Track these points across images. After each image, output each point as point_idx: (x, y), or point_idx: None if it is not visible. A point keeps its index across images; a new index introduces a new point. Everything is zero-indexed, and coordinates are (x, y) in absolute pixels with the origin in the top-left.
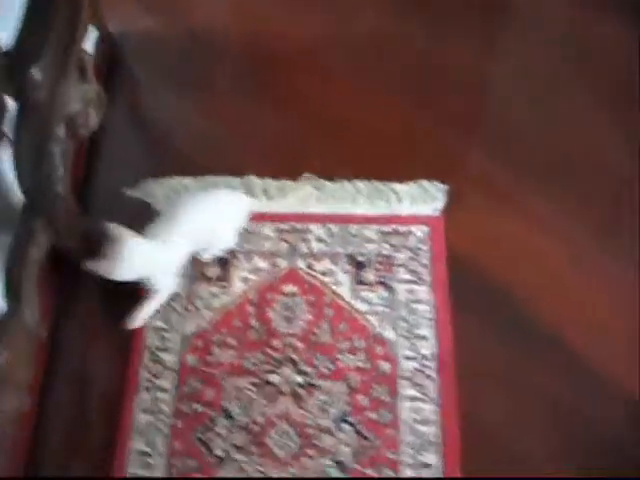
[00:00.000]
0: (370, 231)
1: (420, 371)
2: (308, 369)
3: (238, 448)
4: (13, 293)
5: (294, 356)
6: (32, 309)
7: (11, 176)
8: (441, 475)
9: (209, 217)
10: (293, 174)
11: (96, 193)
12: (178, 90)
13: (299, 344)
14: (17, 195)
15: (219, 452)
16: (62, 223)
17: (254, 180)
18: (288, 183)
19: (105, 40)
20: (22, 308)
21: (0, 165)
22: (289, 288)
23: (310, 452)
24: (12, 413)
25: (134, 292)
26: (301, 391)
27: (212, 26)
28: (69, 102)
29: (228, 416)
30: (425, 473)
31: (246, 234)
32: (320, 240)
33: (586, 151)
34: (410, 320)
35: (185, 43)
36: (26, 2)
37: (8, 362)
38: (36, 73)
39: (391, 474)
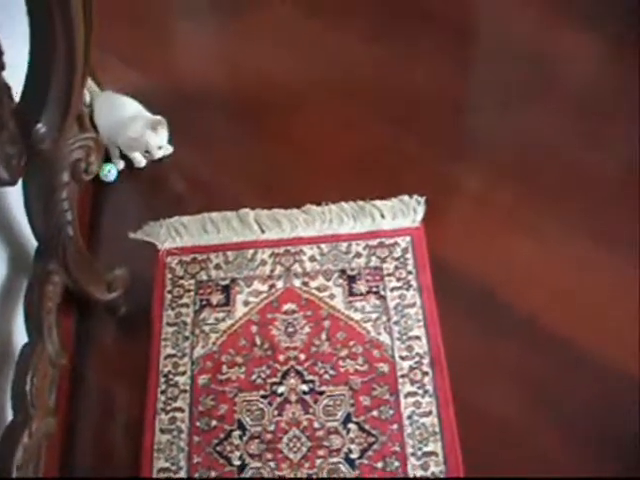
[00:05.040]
0: (358, 246)
1: (416, 368)
2: (312, 377)
3: (253, 456)
4: (34, 327)
5: (298, 367)
6: (53, 340)
7: (24, 222)
8: (444, 460)
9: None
10: (283, 203)
11: (101, 237)
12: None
13: (301, 355)
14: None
15: (236, 461)
16: (73, 263)
17: (247, 212)
18: (279, 211)
19: None
20: (44, 340)
21: (13, 212)
22: (288, 306)
23: (321, 452)
24: (41, 435)
25: (146, 322)
26: (307, 398)
27: (197, 76)
28: (72, 151)
29: (242, 428)
30: (429, 461)
31: (245, 261)
32: (313, 259)
33: (558, 156)
34: (402, 323)
35: (171, 93)
36: (29, 62)
37: (36, 388)
38: (41, 128)
39: (398, 464)
